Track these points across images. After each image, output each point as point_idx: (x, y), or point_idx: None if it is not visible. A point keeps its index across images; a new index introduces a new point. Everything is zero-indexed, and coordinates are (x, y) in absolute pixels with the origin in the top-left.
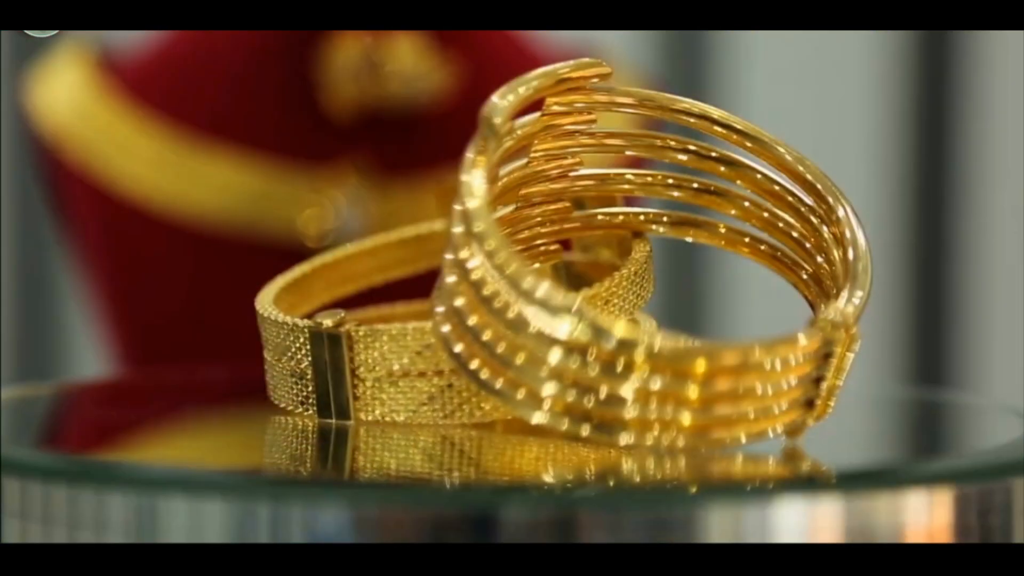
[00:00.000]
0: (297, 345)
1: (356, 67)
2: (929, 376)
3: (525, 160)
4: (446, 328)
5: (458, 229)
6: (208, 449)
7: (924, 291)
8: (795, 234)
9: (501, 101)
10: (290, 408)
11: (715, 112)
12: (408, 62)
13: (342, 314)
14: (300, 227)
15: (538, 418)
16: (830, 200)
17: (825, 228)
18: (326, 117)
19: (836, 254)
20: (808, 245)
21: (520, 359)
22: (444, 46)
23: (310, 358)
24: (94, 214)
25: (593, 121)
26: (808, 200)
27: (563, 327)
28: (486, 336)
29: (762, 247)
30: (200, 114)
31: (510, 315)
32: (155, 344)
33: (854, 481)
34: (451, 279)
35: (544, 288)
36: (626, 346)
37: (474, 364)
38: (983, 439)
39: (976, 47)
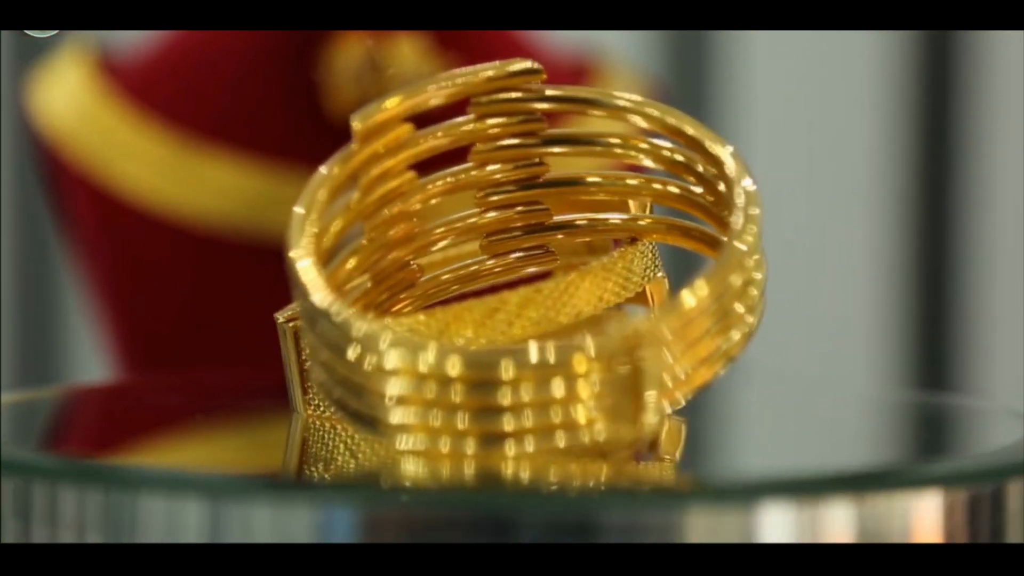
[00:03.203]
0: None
1: (358, 69)
2: (930, 380)
3: (468, 164)
4: (323, 377)
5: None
6: (211, 451)
7: (926, 294)
8: (705, 203)
9: (367, 109)
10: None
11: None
12: (410, 64)
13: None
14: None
15: (405, 444)
16: (710, 150)
17: (722, 184)
18: (328, 120)
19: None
20: (714, 209)
21: (372, 395)
22: (446, 48)
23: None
24: (95, 217)
25: (543, 125)
26: (712, 168)
27: (388, 358)
28: (343, 375)
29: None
30: (202, 117)
31: (347, 354)
32: (157, 348)
33: (854, 483)
34: (307, 332)
35: (360, 325)
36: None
37: (347, 404)
38: (984, 442)
39: (978, 48)
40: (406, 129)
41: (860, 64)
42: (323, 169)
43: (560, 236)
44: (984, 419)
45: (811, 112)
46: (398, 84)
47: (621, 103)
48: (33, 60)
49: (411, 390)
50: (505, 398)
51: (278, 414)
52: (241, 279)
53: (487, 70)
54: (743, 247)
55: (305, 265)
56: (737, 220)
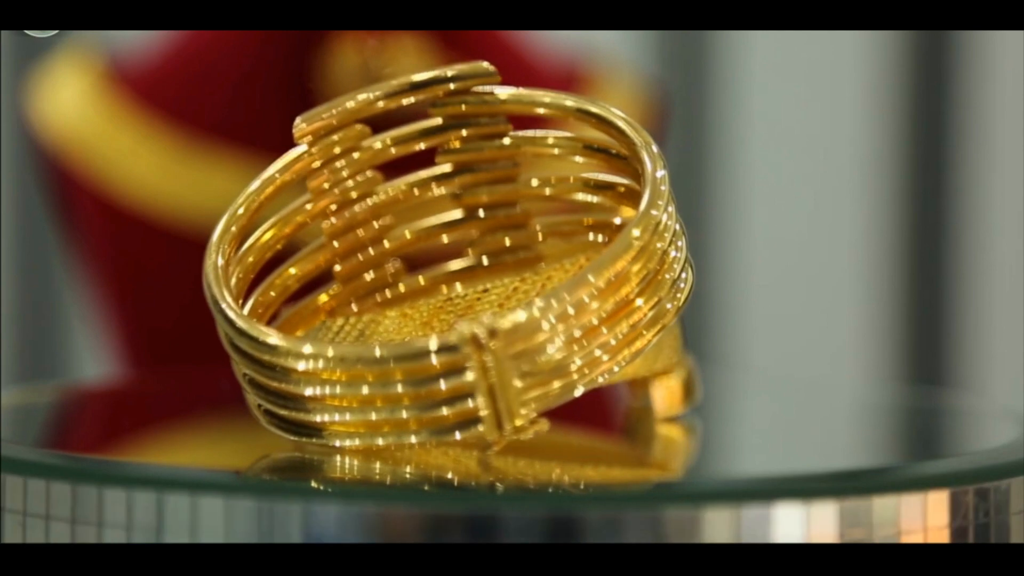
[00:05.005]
0: None
1: (357, 72)
2: (928, 377)
3: (446, 167)
4: (258, 402)
5: None
6: (212, 451)
7: (923, 291)
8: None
9: (312, 112)
10: None
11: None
12: (409, 66)
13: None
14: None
15: (337, 441)
16: (637, 150)
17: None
18: None
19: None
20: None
21: (298, 401)
22: (445, 49)
23: None
24: (99, 220)
25: (508, 127)
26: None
27: (300, 364)
28: (269, 385)
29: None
30: (203, 121)
31: (269, 367)
32: (159, 349)
33: (851, 483)
34: (233, 358)
35: (268, 335)
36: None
37: (283, 419)
38: (981, 441)
39: (976, 47)
40: (362, 131)
41: (857, 64)
42: (264, 174)
43: (543, 237)
44: (982, 419)
45: (809, 112)
46: None
47: (551, 101)
48: (35, 65)
49: (330, 390)
50: (388, 394)
51: None
52: None
53: (441, 73)
54: (655, 212)
55: (215, 288)
56: (645, 195)
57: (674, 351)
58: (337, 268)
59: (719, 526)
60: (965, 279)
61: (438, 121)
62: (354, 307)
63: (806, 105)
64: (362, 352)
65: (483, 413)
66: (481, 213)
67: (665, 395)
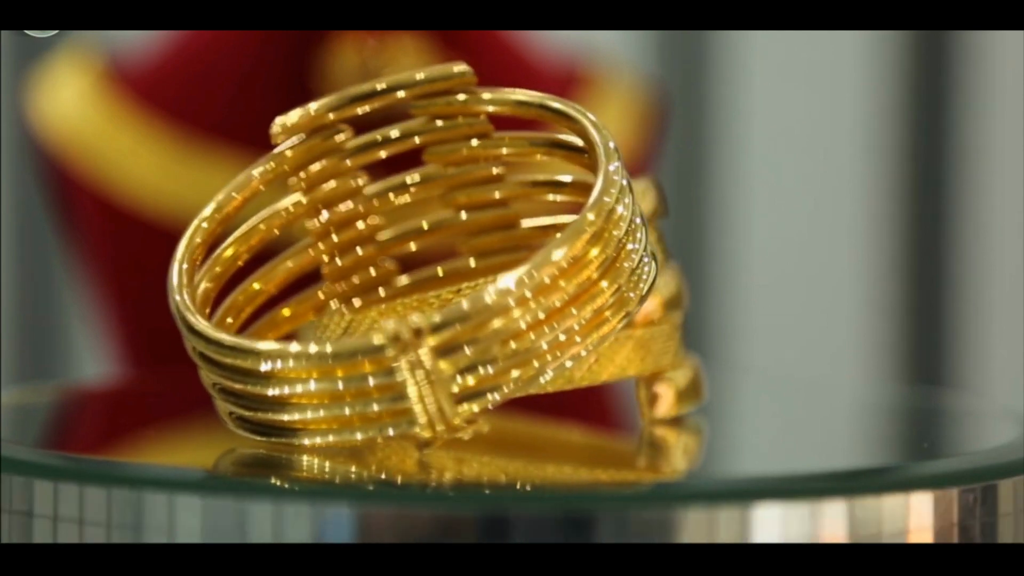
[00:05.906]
0: None
1: (357, 72)
2: (928, 377)
3: (431, 167)
4: (229, 410)
5: None
6: (211, 450)
7: (923, 291)
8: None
9: (291, 113)
10: None
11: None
12: (409, 66)
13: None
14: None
15: (309, 440)
16: (591, 140)
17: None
18: None
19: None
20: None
21: (265, 402)
22: (445, 49)
23: None
24: (98, 220)
25: (490, 128)
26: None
27: (264, 366)
28: (236, 388)
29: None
30: (203, 121)
31: (232, 368)
32: (159, 349)
33: (848, 483)
34: (200, 366)
35: (227, 338)
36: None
37: (252, 421)
38: (980, 441)
39: (976, 47)
40: (345, 132)
41: (857, 64)
42: (231, 186)
43: (528, 239)
44: (982, 419)
45: (809, 112)
46: None
47: (515, 99)
48: (35, 65)
49: (302, 388)
50: (353, 389)
51: None
52: None
53: (419, 75)
54: (607, 199)
55: (175, 296)
56: (598, 184)
57: (667, 352)
58: (324, 270)
59: (708, 526)
60: (965, 279)
61: (419, 122)
62: (341, 306)
63: (806, 105)
64: (303, 349)
65: (417, 413)
66: (464, 215)
67: (662, 395)
